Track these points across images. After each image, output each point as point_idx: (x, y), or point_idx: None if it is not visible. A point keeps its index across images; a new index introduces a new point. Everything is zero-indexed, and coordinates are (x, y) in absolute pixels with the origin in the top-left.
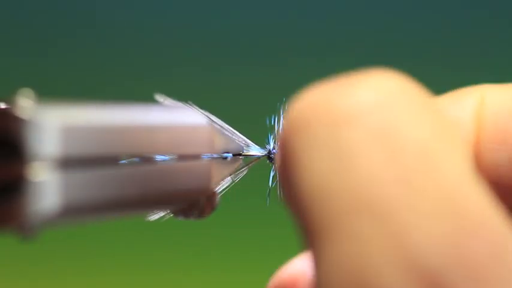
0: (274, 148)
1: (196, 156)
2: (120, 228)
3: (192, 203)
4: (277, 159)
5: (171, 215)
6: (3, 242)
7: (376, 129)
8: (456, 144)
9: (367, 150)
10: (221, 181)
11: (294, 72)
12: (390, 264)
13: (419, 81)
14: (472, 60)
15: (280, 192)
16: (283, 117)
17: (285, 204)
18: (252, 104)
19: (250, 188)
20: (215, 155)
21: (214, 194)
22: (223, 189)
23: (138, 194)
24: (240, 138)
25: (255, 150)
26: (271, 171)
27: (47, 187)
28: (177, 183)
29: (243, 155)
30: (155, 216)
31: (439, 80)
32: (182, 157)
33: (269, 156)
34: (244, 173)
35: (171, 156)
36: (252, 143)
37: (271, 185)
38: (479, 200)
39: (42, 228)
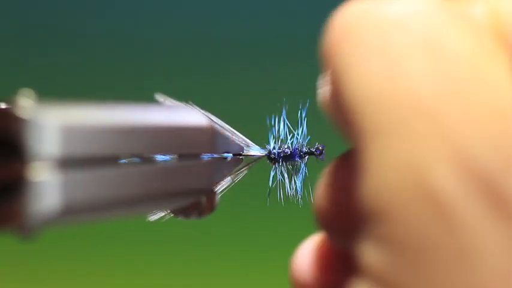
0: (274, 148)
1: (196, 156)
2: (119, 229)
3: (192, 202)
4: (327, 67)
5: (172, 215)
6: (3, 242)
7: (424, 35)
8: (498, 53)
9: (418, 55)
10: (221, 181)
11: (294, 73)
12: (444, 161)
13: None
14: None
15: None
16: (327, 30)
17: (331, 115)
18: (252, 104)
19: (250, 188)
20: (216, 155)
21: (214, 193)
22: (224, 189)
23: (138, 194)
24: (240, 139)
25: (255, 151)
26: (271, 171)
27: (47, 187)
28: (178, 182)
29: (243, 155)
30: (155, 216)
31: None
32: (183, 157)
33: (269, 156)
34: (245, 173)
35: (171, 156)
36: (252, 143)
37: (271, 185)
38: None
39: (42, 228)
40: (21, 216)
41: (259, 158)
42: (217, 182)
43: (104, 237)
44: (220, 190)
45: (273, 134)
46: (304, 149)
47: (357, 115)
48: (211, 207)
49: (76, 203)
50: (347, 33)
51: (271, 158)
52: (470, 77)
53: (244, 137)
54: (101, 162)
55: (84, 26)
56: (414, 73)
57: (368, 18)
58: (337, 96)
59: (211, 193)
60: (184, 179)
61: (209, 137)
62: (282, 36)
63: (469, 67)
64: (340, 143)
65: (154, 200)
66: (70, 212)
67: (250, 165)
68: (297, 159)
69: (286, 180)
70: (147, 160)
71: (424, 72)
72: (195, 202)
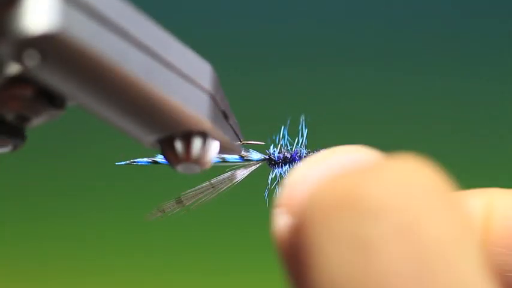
0: (274, 152)
1: (197, 85)
2: (119, 230)
3: (173, 135)
4: (287, 243)
5: (150, 145)
6: (4, 242)
7: (399, 227)
8: (473, 247)
9: (389, 246)
10: (215, 133)
11: (295, 79)
12: None
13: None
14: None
15: (288, 277)
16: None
17: (283, 254)
18: (254, 109)
19: (250, 191)
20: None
21: (190, 135)
22: (224, 190)
23: (136, 77)
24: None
25: (256, 155)
26: (270, 174)
27: (47, 4)
28: (173, 93)
29: (245, 160)
30: (153, 216)
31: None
32: (185, 76)
33: (269, 160)
34: (246, 175)
35: (175, 65)
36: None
37: (270, 187)
38: None
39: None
40: (16, 29)
41: (261, 161)
42: (211, 130)
43: (101, 239)
44: (221, 191)
45: (272, 138)
46: (304, 153)
47: None
48: (187, 152)
49: (75, 35)
50: (320, 215)
51: (272, 162)
52: (440, 260)
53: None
54: (109, 23)
55: None
56: (387, 264)
57: (344, 203)
58: (302, 266)
59: (194, 132)
60: (180, 94)
61: (211, 78)
62: (285, 41)
63: (440, 252)
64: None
65: (147, 99)
66: (66, 40)
67: (252, 168)
68: (296, 161)
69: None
70: (154, 54)
71: (396, 260)
72: (176, 136)
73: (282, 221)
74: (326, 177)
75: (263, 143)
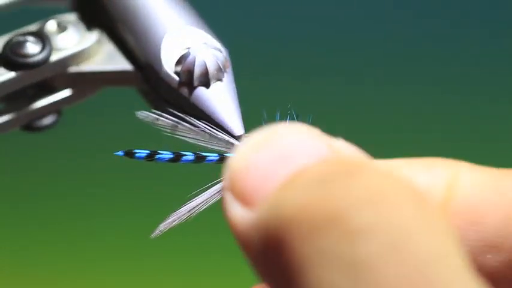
0: None
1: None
2: (118, 230)
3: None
4: (258, 239)
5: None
6: (4, 242)
7: (388, 244)
8: (458, 254)
9: (382, 266)
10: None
11: (294, 79)
12: None
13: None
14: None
15: (257, 272)
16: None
17: (249, 254)
18: (253, 108)
19: None
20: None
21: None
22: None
23: None
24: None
25: None
26: None
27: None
28: None
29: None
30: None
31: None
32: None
33: None
34: None
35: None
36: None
37: None
38: None
39: None
40: None
41: None
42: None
43: (100, 241)
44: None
45: None
46: None
47: None
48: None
49: None
50: (303, 230)
51: None
52: (436, 278)
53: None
54: None
55: None
56: (382, 281)
57: (333, 222)
58: (282, 279)
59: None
60: None
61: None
62: (283, 43)
63: (434, 271)
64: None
65: None
66: None
67: None
68: None
69: None
70: None
71: (390, 280)
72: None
73: (238, 212)
74: (288, 168)
75: None
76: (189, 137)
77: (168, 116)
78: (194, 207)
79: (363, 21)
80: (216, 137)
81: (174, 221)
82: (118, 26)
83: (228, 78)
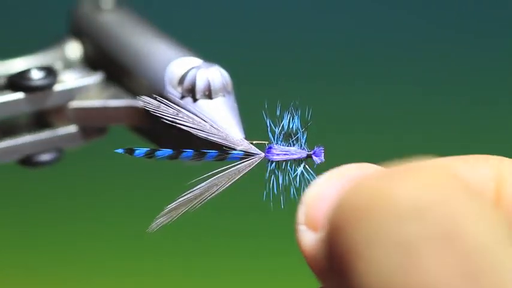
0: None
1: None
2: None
3: None
4: (323, 251)
5: None
6: (4, 242)
7: (440, 226)
8: (510, 241)
9: (434, 248)
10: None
11: (294, 76)
12: None
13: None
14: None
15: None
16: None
17: (316, 267)
18: (253, 106)
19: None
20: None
21: None
22: (224, 188)
23: None
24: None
25: (254, 152)
26: (267, 172)
27: None
28: None
29: (246, 154)
30: (156, 225)
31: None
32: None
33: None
34: (245, 173)
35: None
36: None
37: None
38: None
39: None
40: None
41: (259, 158)
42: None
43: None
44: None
45: (270, 135)
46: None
47: None
48: None
49: None
50: (359, 215)
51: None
52: (487, 268)
53: (244, 139)
54: None
55: None
56: (431, 266)
57: (384, 203)
58: (341, 272)
59: None
60: None
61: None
62: (284, 39)
63: (486, 258)
64: (339, 146)
65: None
66: None
67: (252, 166)
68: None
69: (286, 182)
70: None
71: (442, 265)
72: None
73: (309, 237)
74: (349, 187)
75: (266, 142)
76: (190, 126)
77: (170, 104)
78: (188, 203)
79: (362, 21)
80: (216, 129)
81: (170, 215)
82: (120, 66)
83: (229, 97)
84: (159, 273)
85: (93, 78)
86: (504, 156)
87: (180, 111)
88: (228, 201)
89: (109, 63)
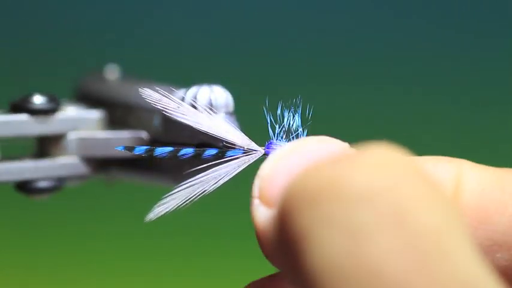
0: (271, 142)
1: None
2: (116, 231)
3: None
4: (273, 230)
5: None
6: (4, 242)
7: (389, 210)
8: (462, 229)
9: (382, 232)
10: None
11: (292, 72)
12: None
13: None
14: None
15: (281, 268)
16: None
17: (286, 275)
18: (252, 102)
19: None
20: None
21: None
22: (221, 185)
23: None
24: (240, 135)
25: (254, 148)
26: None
27: None
28: None
29: (246, 150)
30: (154, 215)
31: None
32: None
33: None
34: (243, 167)
35: None
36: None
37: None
38: (487, 282)
39: None
40: None
41: (258, 155)
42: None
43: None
44: (218, 186)
45: (270, 131)
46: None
47: (316, 285)
48: None
49: None
50: (308, 201)
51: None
52: (437, 250)
53: (243, 135)
54: None
55: (88, 25)
56: (381, 249)
57: (333, 188)
58: (290, 252)
59: None
60: None
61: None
62: (283, 34)
63: (436, 241)
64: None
65: None
66: None
67: (250, 162)
68: None
69: None
70: None
71: (391, 248)
72: None
73: (261, 213)
74: (305, 166)
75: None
76: (191, 120)
77: (172, 96)
78: (187, 194)
79: (362, 22)
80: (217, 124)
81: (169, 206)
82: (119, 106)
83: (230, 118)
84: (159, 273)
85: (94, 113)
86: (504, 156)
87: (181, 105)
88: (228, 201)
89: (107, 104)
